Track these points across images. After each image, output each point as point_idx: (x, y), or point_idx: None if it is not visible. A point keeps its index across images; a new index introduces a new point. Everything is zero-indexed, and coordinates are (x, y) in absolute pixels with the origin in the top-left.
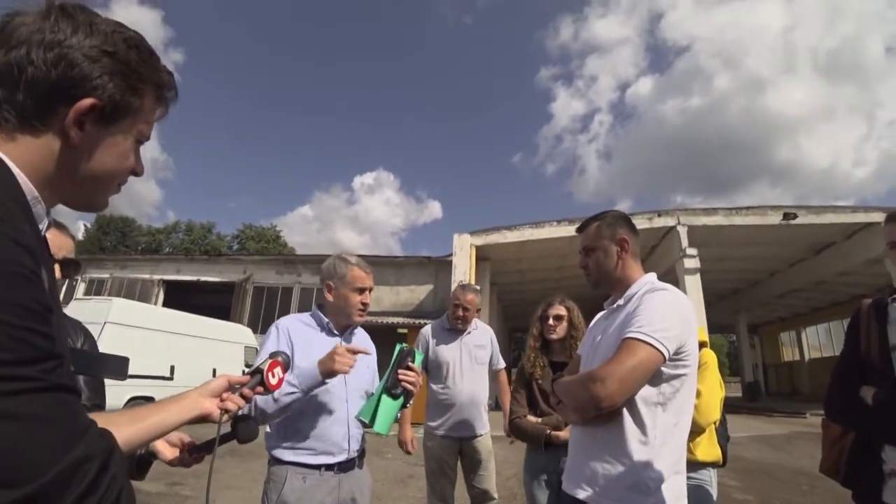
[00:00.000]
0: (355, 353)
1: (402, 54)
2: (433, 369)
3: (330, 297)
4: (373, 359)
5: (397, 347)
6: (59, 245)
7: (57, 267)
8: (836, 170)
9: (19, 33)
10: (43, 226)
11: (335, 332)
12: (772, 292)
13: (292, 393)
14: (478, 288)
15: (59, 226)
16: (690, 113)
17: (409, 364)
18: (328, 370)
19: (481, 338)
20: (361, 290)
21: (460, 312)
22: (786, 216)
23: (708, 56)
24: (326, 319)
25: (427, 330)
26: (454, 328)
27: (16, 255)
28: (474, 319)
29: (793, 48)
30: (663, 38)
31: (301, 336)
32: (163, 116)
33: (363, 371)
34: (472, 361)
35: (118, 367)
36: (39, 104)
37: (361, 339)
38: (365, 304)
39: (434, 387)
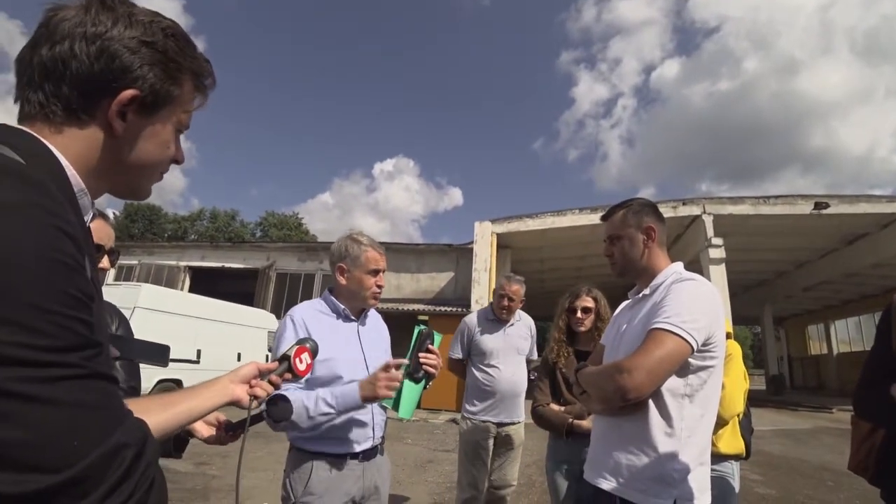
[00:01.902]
0: (394, 367)
1: (418, 38)
2: (475, 357)
3: (343, 281)
4: (387, 342)
5: (416, 330)
6: (108, 236)
7: (106, 258)
8: (872, 156)
9: (62, 28)
10: (88, 217)
11: (352, 317)
12: (800, 284)
13: (328, 414)
14: (522, 279)
15: (104, 217)
16: (718, 97)
17: (429, 346)
18: (373, 398)
19: (524, 329)
20: (376, 273)
21: (505, 303)
22: (817, 206)
23: (738, 37)
24: (342, 306)
25: (472, 318)
26: (499, 318)
27: (61, 244)
28: (517, 310)
29: (829, 28)
30: (691, 19)
31: (318, 325)
32: (202, 105)
33: (382, 357)
34: (514, 352)
35: (160, 354)
36: (84, 97)
37: (374, 321)
38: (380, 287)
39: (476, 374)
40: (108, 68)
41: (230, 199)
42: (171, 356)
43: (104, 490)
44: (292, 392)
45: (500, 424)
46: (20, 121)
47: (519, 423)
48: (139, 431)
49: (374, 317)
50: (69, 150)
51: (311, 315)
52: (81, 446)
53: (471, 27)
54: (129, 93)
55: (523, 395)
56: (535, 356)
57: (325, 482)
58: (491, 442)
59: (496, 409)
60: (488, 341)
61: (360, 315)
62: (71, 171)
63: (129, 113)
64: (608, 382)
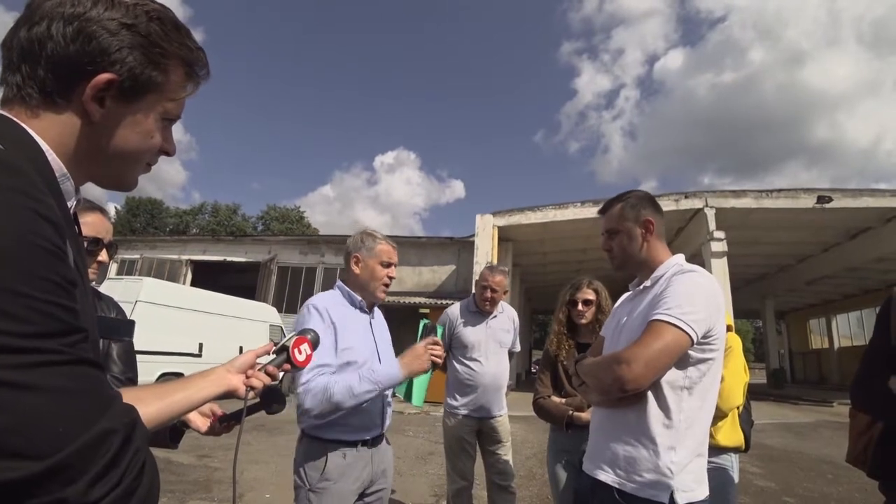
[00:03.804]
0: (435, 343)
1: (418, 30)
2: (457, 350)
3: (357, 270)
4: (389, 337)
5: (421, 324)
6: (106, 229)
7: (104, 251)
8: (878, 150)
9: (43, 8)
10: (72, 203)
11: (366, 309)
12: (802, 278)
13: (371, 391)
14: (506, 269)
15: (102, 210)
16: (722, 88)
17: (434, 338)
18: (419, 371)
19: (507, 322)
20: (388, 265)
21: (488, 294)
22: (820, 199)
23: (744, 27)
24: (359, 297)
25: (454, 310)
26: (481, 310)
27: (38, 228)
28: (500, 302)
29: (836, 18)
30: (696, 9)
31: (340, 314)
32: (192, 93)
33: (389, 350)
34: (496, 345)
35: (126, 329)
36: (59, 80)
37: (379, 316)
38: (391, 278)
39: (458, 367)
40: (83, 50)
41: (231, 192)
42: (174, 349)
43: (91, 476)
44: (338, 375)
45: (482, 419)
46: (1, 105)
47: (501, 416)
48: (127, 416)
49: (378, 313)
50: (47, 134)
51: (333, 306)
52: (66, 432)
53: (471, 18)
54: (104, 76)
55: (505, 388)
56: (517, 349)
57: (340, 468)
58: (475, 436)
59: (478, 404)
60: (470, 334)
61: (372, 308)
62: (52, 156)
63: (107, 98)
64: (606, 373)
